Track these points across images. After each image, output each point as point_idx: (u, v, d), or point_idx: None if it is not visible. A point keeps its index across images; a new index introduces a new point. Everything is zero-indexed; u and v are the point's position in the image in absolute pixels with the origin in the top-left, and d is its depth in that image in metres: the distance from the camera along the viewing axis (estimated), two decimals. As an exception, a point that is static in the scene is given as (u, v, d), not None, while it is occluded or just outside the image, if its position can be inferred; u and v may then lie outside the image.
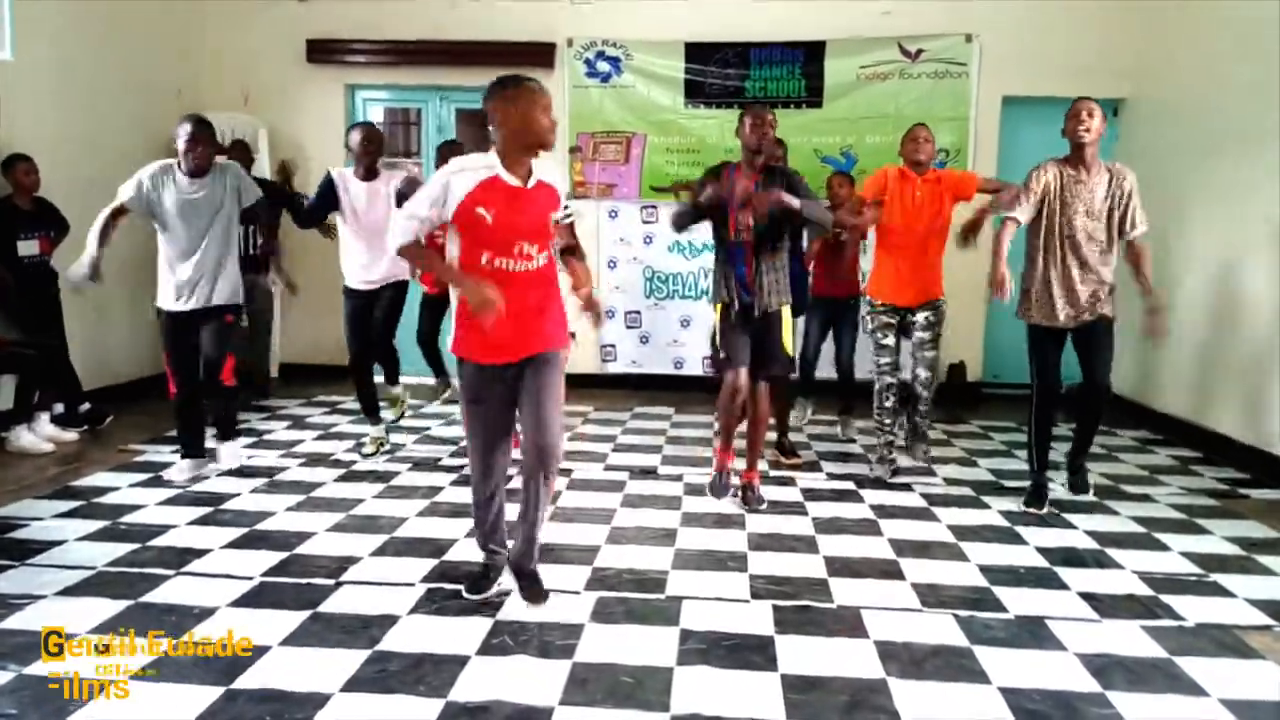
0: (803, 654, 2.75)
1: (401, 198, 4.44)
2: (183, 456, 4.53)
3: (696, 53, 6.81)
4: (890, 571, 3.45)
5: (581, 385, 6.80)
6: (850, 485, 4.58)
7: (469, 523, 3.85)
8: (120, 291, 5.95)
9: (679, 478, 4.65)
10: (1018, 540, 3.81)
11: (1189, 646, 2.85)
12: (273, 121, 6.95)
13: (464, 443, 5.17)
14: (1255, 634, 2.96)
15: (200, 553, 3.48)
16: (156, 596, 3.07)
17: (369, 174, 4.72)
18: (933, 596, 3.20)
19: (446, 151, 5.08)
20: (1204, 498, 4.48)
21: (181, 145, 4.21)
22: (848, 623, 2.97)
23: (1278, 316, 4.74)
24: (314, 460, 4.86)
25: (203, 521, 3.86)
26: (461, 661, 2.64)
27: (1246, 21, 5.10)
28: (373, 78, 7.06)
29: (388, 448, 5.06)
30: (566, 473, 4.70)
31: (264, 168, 6.72)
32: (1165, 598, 3.23)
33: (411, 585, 3.20)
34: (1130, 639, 2.90)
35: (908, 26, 6.62)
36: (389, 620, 2.91)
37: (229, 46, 7.03)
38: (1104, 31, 6.46)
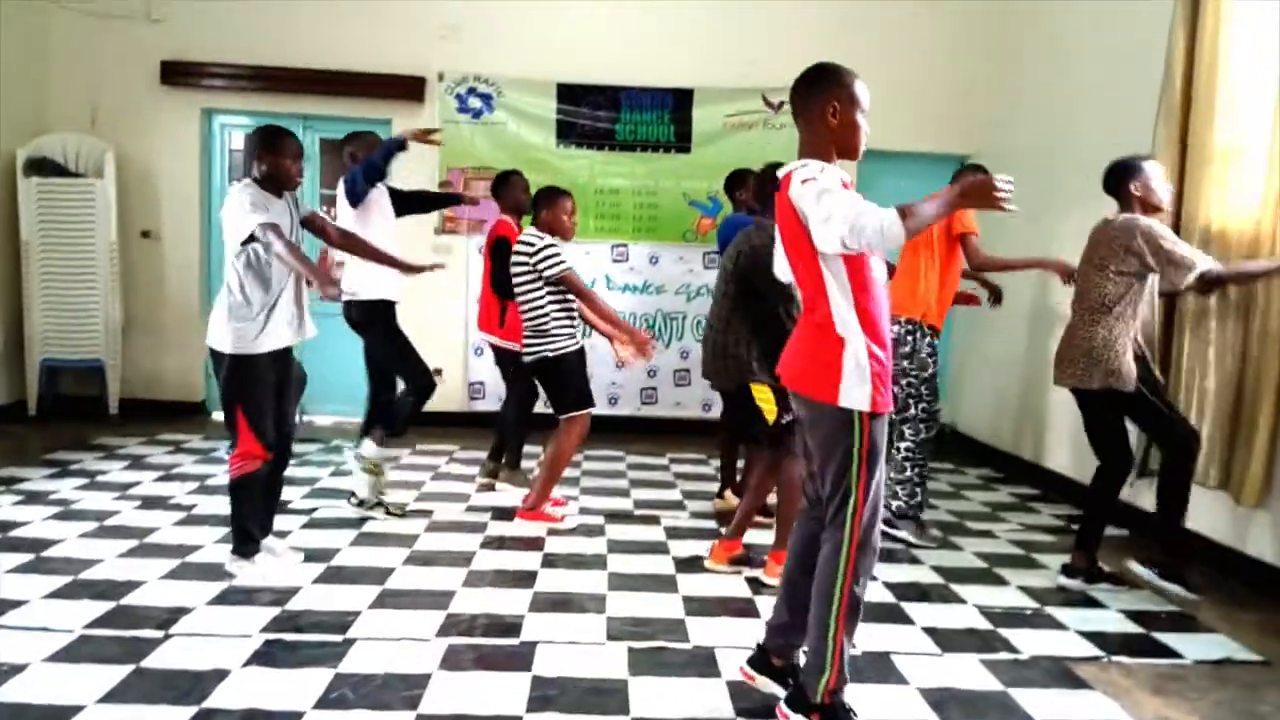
0: (655, 696, 2.73)
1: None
2: (253, 552, 3.71)
3: (568, 93, 6.87)
4: (745, 610, 3.48)
5: (448, 424, 6.70)
6: (711, 524, 4.62)
7: (317, 568, 3.72)
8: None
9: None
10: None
11: (1023, 678, 2.97)
12: (121, 144, 6.60)
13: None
14: (1084, 665, 3.11)
15: (15, 604, 3.21)
16: (-41, 654, 2.80)
17: None
18: (785, 635, 3.24)
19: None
20: (1041, 534, 4.72)
21: (287, 160, 3.61)
22: (701, 663, 2.98)
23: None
24: (151, 503, 4.57)
25: (21, 570, 3.57)
26: (296, 717, 2.51)
27: (1086, 83, 5.50)
28: (232, 103, 6.80)
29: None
30: (427, 514, 4.58)
31: (109, 195, 6.37)
32: (1003, 631, 3.37)
33: (248, 636, 3.02)
34: (969, 672, 3.01)
35: (770, 79, 6.83)
36: (220, 675, 2.74)
37: (76, 64, 6.65)
38: (953, 90, 6.86)
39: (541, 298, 4.36)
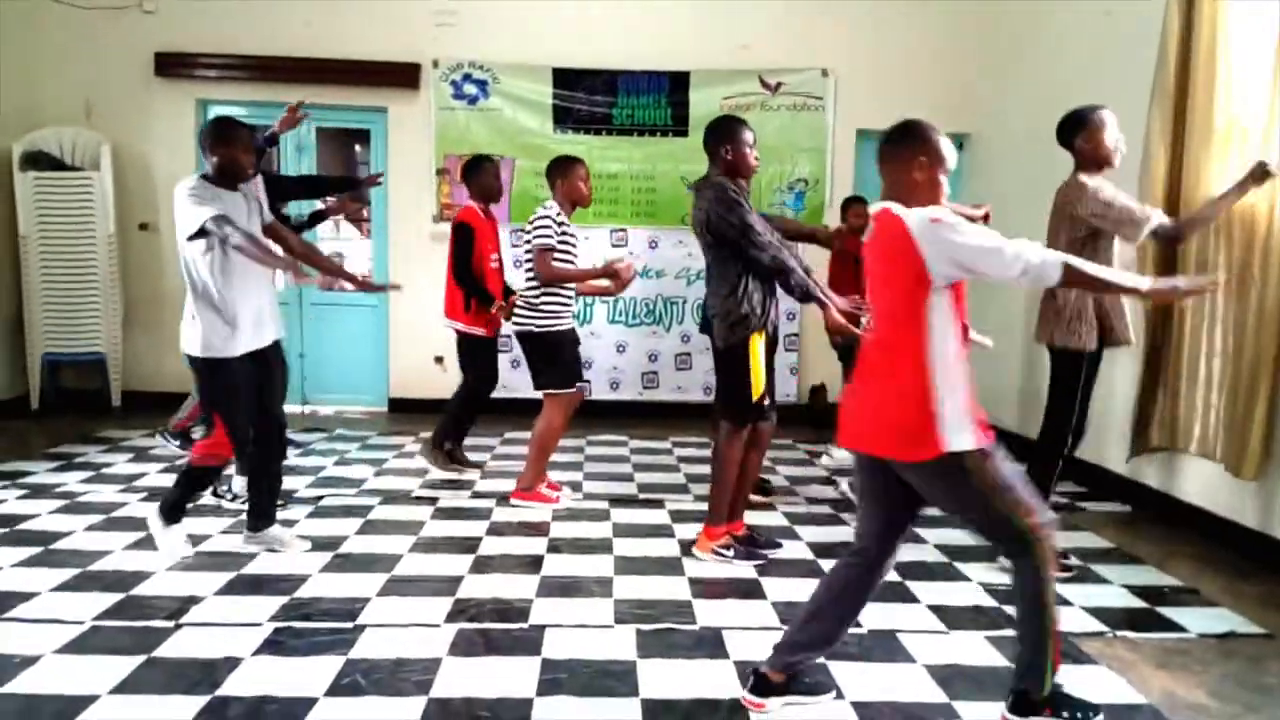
0: (663, 677, 2.75)
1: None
2: (174, 521, 3.74)
3: (564, 78, 6.84)
4: (751, 591, 3.50)
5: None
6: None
7: (324, 556, 3.74)
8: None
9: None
10: (873, 557, 3.93)
11: (1028, 654, 2.99)
12: (117, 137, 6.58)
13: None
14: (1089, 640, 3.13)
15: (26, 596, 3.23)
16: (-29, 647, 2.82)
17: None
18: (790, 614, 3.25)
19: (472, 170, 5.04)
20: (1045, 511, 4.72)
21: (240, 151, 3.56)
22: (709, 644, 3.00)
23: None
24: (156, 495, 4.53)
25: (30, 562, 3.58)
26: (309, 704, 2.52)
27: (1081, 62, 5.50)
28: (226, 93, 6.78)
29: None
30: (432, 501, 4.60)
31: (106, 188, 6.37)
32: (1008, 608, 3.37)
33: (258, 625, 3.04)
34: (975, 649, 3.03)
35: (767, 60, 6.84)
36: (231, 663, 2.76)
37: (70, 57, 6.63)
38: (949, 70, 6.83)
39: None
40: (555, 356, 4.47)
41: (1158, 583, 3.71)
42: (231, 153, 3.55)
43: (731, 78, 6.86)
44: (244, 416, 3.62)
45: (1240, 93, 4.15)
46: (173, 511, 3.73)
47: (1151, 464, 4.71)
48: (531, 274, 4.42)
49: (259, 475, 3.80)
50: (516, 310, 4.53)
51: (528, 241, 4.40)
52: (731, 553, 3.81)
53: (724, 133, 3.79)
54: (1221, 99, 4.22)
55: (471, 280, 4.88)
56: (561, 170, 4.47)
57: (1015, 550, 2.41)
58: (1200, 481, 4.40)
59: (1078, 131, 3.67)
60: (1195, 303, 4.31)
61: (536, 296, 4.42)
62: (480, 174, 5.06)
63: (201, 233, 3.40)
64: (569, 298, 4.51)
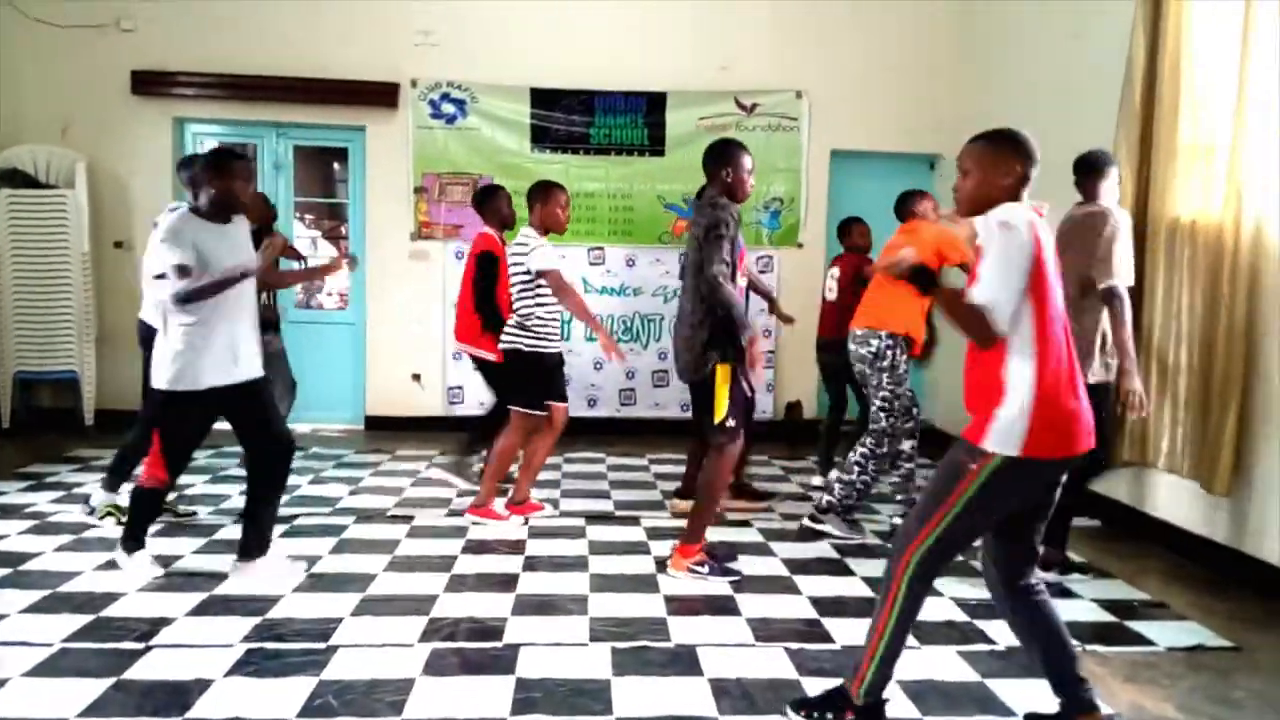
0: (638, 695, 2.76)
1: None
2: (135, 550, 3.71)
3: (542, 98, 6.89)
4: (726, 608, 3.51)
5: (428, 429, 6.71)
6: (692, 524, 4.65)
7: (297, 576, 3.71)
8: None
9: (525, 522, 4.60)
10: (847, 572, 3.96)
11: (1000, 669, 3.02)
12: (93, 155, 6.55)
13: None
14: (1059, 653, 3.16)
15: (-8, 619, 3.20)
16: (-64, 671, 2.78)
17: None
18: (765, 630, 3.28)
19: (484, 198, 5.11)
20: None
21: (238, 183, 3.55)
22: (684, 661, 3.01)
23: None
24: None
25: (-2, 584, 3.55)
26: (280, 724, 2.52)
27: (1051, 80, 5.60)
28: (204, 111, 6.77)
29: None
30: (407, 519, 4.58)
31: (81, 205, 6.34)
32: (979, 623, 3.41)
33: (230, 646, 3.02)
34: (947, 663, 3.05)
35: (743, 82, 6.92)
36: (202, 685, 2.73)
37: (47, 74, 6.60)
38: (920, 93, 6.93)
39: (531, 295, 4.40)
40: (529, 377, 4.48)
41: (1127, 597, 3.76)
42: (228, 184, 3.53)
43: (708, 99, 6.92)
44: (186, 454, 3.64)
45: (1206, 111, 4.24)
46: (132, 540, 3.70)
47: (1121, 479, 4.77)
48: (521, 294, 4.44)
49: (256, 503, 3.70)
50: (506, 331, 4.52)
51: (518, 263, 4.42)
52: (706, 569, 3.82)
53: (726, 156, 3.86)
54: (1187, 117, 4.31)
55: (492, 310, 4.82)
56: (542, 196, 4.48)
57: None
58: (1170, 496, 4.46)
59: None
60: (1164, 320, 4.38)
61: (528, 317, 4.43)
62: (495, 201, 5.06)
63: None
64: (558, 324, 4.55)
